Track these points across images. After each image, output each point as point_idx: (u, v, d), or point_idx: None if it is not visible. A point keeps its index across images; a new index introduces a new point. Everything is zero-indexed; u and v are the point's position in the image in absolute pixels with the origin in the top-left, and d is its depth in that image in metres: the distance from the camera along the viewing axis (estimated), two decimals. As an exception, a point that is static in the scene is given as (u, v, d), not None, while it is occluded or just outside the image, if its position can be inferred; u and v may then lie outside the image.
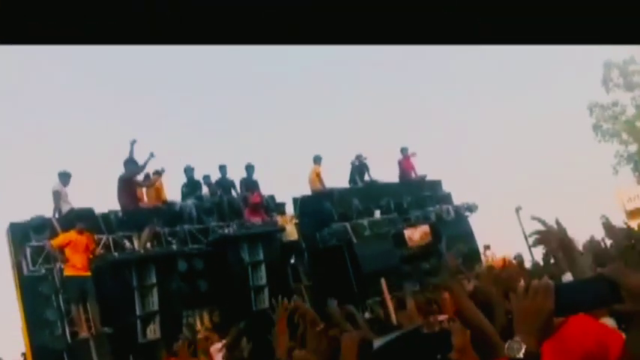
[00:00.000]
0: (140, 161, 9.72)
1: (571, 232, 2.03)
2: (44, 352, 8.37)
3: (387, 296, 8.64)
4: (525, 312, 1.32)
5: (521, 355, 1.25)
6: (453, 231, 13.05)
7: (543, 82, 35.75)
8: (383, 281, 9.02)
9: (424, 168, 14.42)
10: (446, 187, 14.52)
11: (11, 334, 9.64)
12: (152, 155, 9.68)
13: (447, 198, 14.10)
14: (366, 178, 13.36)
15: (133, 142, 9.71)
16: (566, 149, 36.25)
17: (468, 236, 13.41)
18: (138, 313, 8.99)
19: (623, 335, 1.47)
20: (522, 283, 1.38)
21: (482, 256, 13.34)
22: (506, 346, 1.29)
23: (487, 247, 13.62)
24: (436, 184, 14.35)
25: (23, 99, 33.52)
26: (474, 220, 14.08)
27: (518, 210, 16.53)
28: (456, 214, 13.55)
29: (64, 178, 9.48)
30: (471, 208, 13.96)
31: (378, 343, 2.17)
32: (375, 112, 37.64)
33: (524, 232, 8.92)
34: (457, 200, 14.19)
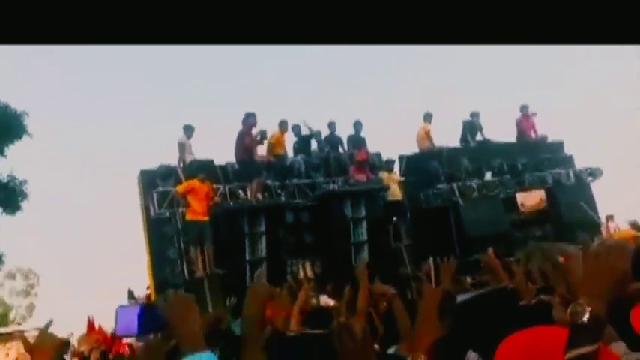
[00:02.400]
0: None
1: None
2: (165, 285, 9.32)
3: (496, 262, 8.32)
4: (594, 272, 1.20)
5: (585, 319, 1.11)
6: (571, 198, 12.23)
7: None
8: (490, 251, 8.70)
9: (546, 129, 13.57)
10: (568, 150, 13.51)
11: (139, 269, 10.94)
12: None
13: (567, 161, 13.13)
14: (479, 137, 12.89)
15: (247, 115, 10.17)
16: None
17: (589, 204, 12.45)
18: (247, 257, 9.73)
19: None
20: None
21: (603, 229, 12.36)
22: (568, 310, 1.15)
23: (610, 218, 12.47)
24: (557, 146, 13.32)
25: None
26: (597, 187, 13.08)
27: None
28: (577, 180, 12.59)
29: (189, 131, 10.35)
30: (594, 174, 12.79)
31: (462, 297, 2.24)
32: (492, 67, 35.22)
33: None
34: (580, 164, 13.18)
